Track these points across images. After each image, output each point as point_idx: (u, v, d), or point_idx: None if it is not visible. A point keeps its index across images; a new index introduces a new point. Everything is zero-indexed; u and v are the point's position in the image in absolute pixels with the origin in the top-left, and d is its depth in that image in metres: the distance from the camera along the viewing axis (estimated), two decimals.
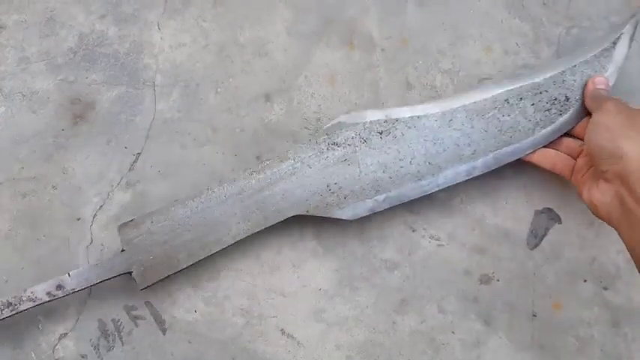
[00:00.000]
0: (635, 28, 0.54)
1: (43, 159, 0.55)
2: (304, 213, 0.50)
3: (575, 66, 0.53)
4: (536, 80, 0.53)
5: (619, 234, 0.46)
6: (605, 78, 0.52)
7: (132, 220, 0.50)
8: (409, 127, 0.52)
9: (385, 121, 0.52)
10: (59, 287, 0.48)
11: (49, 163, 0.55)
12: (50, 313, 0.51)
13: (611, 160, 0.45)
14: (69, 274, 0.48)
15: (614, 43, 0.53)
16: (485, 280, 0.55)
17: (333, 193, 0.51)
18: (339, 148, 0.51)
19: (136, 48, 0.58)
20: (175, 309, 0.53)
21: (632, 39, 0.54)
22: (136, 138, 0.56)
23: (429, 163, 0.51)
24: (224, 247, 0.50)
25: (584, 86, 0.52)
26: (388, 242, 0.55)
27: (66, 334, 0.52)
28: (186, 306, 0.53)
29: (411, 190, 0.51)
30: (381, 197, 0.51)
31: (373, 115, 0.52)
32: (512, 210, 0.56)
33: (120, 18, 0.59)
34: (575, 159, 0.52)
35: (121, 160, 0.55)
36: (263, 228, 0.50)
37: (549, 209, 0.56)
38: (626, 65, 0.59)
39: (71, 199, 0.54)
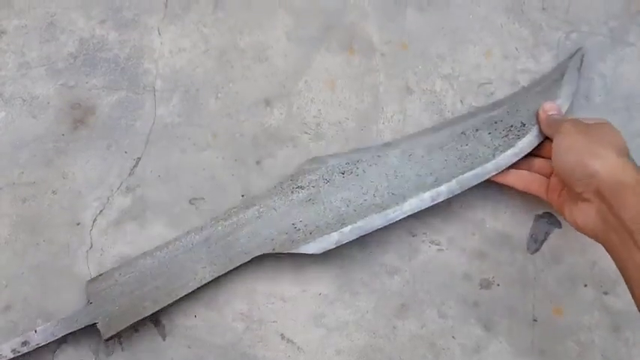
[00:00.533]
0: (582, 61, 0.56)
1: (43, 164, 0.55)
2: (270, 251, 0.51)
3: (527, 97, 0.54)
4: (491, 114, 0.54)
5: (606, 250, 0.45)
6: (555, 104, 0.52)
7: (100, 275, 0.50)
8: (370, 165, 0.53)
9: (347, 163, 0.53)
10: (24, 344, 0.47)
11: (49, 167, 0.55)
12: (50, 318, 0.51)
13: (584, 181, 0.45)
14: (35, 330, 0.48)
15: (562, 75, 0.55)
16: (486, 284, 0.55)
17: (298, 230, 0.51)
18: (303, 191, 0.52)
19: (136, 53, 0.58)
20: (175, 314, 0.53)
21: (579, 70, 0.56)
22: (136, 143, 0.56)
23: (392, 194, 0.52)
24: (190, 291, 0.50)
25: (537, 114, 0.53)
26: (388, 247, 0.55)
27: (66, 339, 0.51)
28: (186, 311, 0.53)
29: (377, 219, 0.51)
30: (347, 229, 0.51)
31: (335, 160, 0.54)
32: (512, 214, 0.56)
33: (120, 23, 0.59)
34: (549, 177, 0.52)
35: (121, 165, 0.55)
36: (230, 269, 0.51)
37: (549, 214, 0.56)
38: (625, 70, 0.59)
39: (71, 203, 0.54)
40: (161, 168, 0.56)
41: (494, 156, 0.52)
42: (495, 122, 0.53)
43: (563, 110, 0.53)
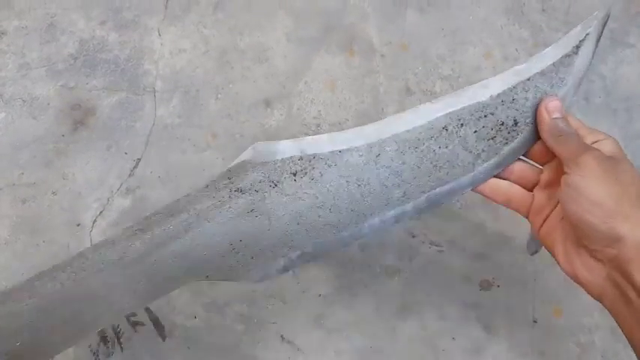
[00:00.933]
0: (604, 26, 0.44)
1: (43, 165, 0.55)
2: (203, 279, 0.42)
3: (529, 79, 0.43)
4: (482, 99, 0.43)
5: (613, 316, 0.38)
6: (559, 101, 0.42)
7: None
8: (329, 166, 0.42)
9: (300, 158, 0.42)
10: None
11: (49, 168, 0.55)
12: None
13: (604, 242, 0.36)
14: None
15: (578, 47, 0.43)
16: (486, 285, 0.55)
17: (237, 252, 0.41)
18: (244, 196, 0.41)
19: (137, 54, 0.58)
20: (175, 315, 0.53)
21: (597, 42, 0.44)
22: (136, 144, 0.56)
23: (352, 210, 0.42)
24: (106, 325, 0.42)
25: (536, 108, 0.43)
26: (388, 248, 0.55)
27: None
28: (186, 312, 0.53)
29: (330, 243, 0.43)
30: (294, 254, 0.43)
31: (286, 151, 0.42)
32: (512, 216, 0.56)
33: (120, 24, 0.59)
34: (531, 190, 0.44)
35: (121, 166, 0.55)
36: (154, 300, 0.42)
37: None
38: (625, 71, 0.59)
39: (71, 204, 0.54)
40: (161, 169, 0.56)
41: (473, 166, 0.43)
42: (485, 115, 0.43)
43: (569, 99, 0.44)
